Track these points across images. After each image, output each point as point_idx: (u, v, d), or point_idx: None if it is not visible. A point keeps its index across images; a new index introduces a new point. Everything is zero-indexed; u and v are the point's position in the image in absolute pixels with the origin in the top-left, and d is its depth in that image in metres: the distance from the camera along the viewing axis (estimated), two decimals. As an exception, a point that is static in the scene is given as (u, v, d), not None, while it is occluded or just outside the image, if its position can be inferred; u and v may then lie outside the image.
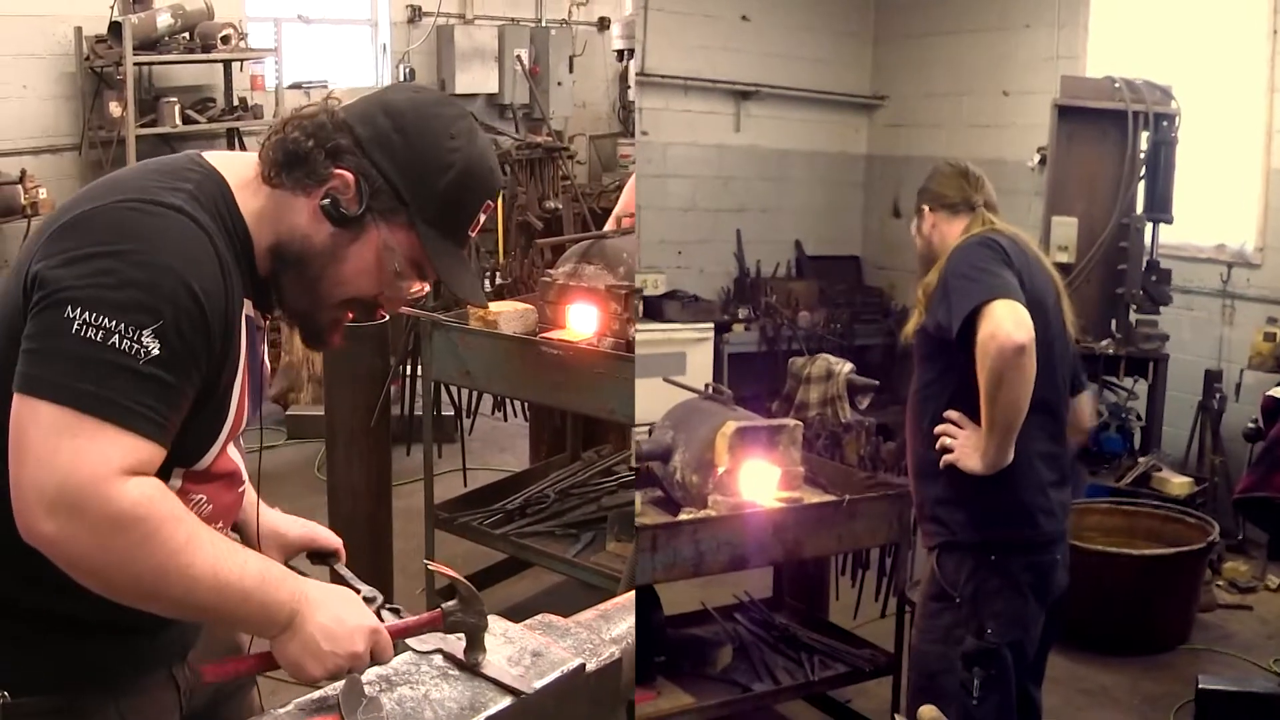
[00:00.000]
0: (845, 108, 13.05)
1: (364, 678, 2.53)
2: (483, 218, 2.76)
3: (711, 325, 10.99)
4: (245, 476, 2.83)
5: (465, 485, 7.46)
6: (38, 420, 2.24)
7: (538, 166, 12.74)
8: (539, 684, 2.58)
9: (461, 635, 2.71)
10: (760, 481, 5.54)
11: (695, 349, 10.74)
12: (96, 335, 2.25)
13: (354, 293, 2.71)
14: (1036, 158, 10.54)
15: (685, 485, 5.66)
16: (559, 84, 15.56)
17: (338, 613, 2.53)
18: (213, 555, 2.35)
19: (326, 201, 2.58)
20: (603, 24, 16.29)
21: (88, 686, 2.61)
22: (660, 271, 11.75)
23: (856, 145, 13.25)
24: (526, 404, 7.79)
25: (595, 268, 6.16)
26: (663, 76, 11.81)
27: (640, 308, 10.86)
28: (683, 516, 5.48)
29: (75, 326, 2.25)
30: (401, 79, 14.92)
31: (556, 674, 2.60)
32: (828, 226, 13.13)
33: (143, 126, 11.64)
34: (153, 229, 2.38)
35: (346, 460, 6.63)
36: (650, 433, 6.07)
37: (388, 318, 5.94)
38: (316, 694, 2.51)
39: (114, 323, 2.26)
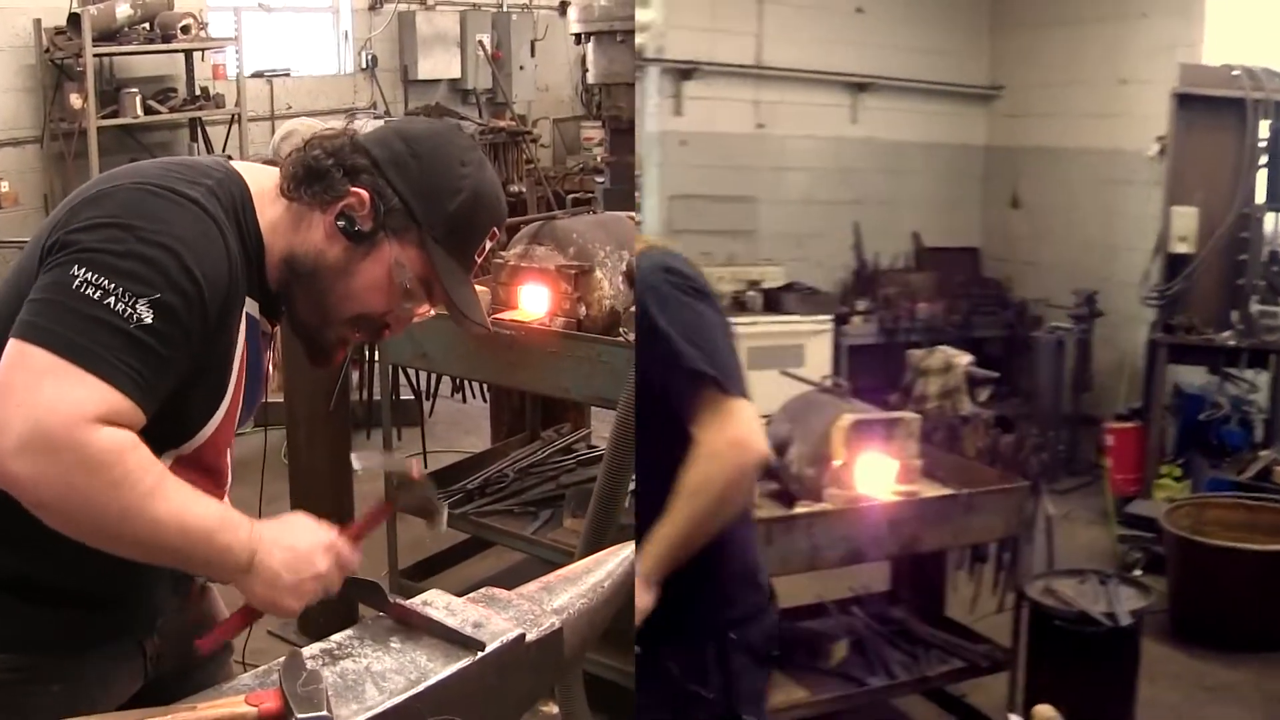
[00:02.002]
0: (962, 99, 12.95)
1: (306, 651, 2.56)
2: (489, 244, 2.87)
3: (830, 317, 11.00)
4: (229, 482, 2.95)
5: (426, 467, 7.49)
6: (24, 362, 2.35)
7: (501, 151, 12.77)
8: (480, 654, 2.61)
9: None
10: (877, 475, 5.54)
11: (813, 341, 10.76)
12: (94, 293, 2.37)
13: (362, 309, 2.81)
14: (1155, 147, 10.40)
15: (801, 478, 5.66)
16: (521, 68, 15.74)
17: (291, 542, 2.63)
18: (177, 501, 2.45)
19: (342, 217, 2.70)
20: (563, 8, 16.27)
21: (52, 651, 2.71)
22: (778, 264, 11.74)
23: (974, 136, 13.14)
24: (485, 385, 7.79)
25: (546, 249, 6.18)
26: (779, 69, 11.78)
27: (760, 300, 10.88)
28: (798, 510, 5.48)
29: (77, 283, 2.38)
30: (363, 66, 15.11)
31: (496, 644, 2.62)
32: (946, 218, 13.04)
33: (104, 118, 11.85)
34: (166, 212, 2.50)
35: (308, 445, 6.72)
36: (766, 425, 6.07)
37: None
38: (262, 668, 2.55)
39: (113, 285, 2.38)
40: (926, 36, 12.58)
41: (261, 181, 2.76)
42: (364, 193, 2.70)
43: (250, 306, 2.72)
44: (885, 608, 6.44)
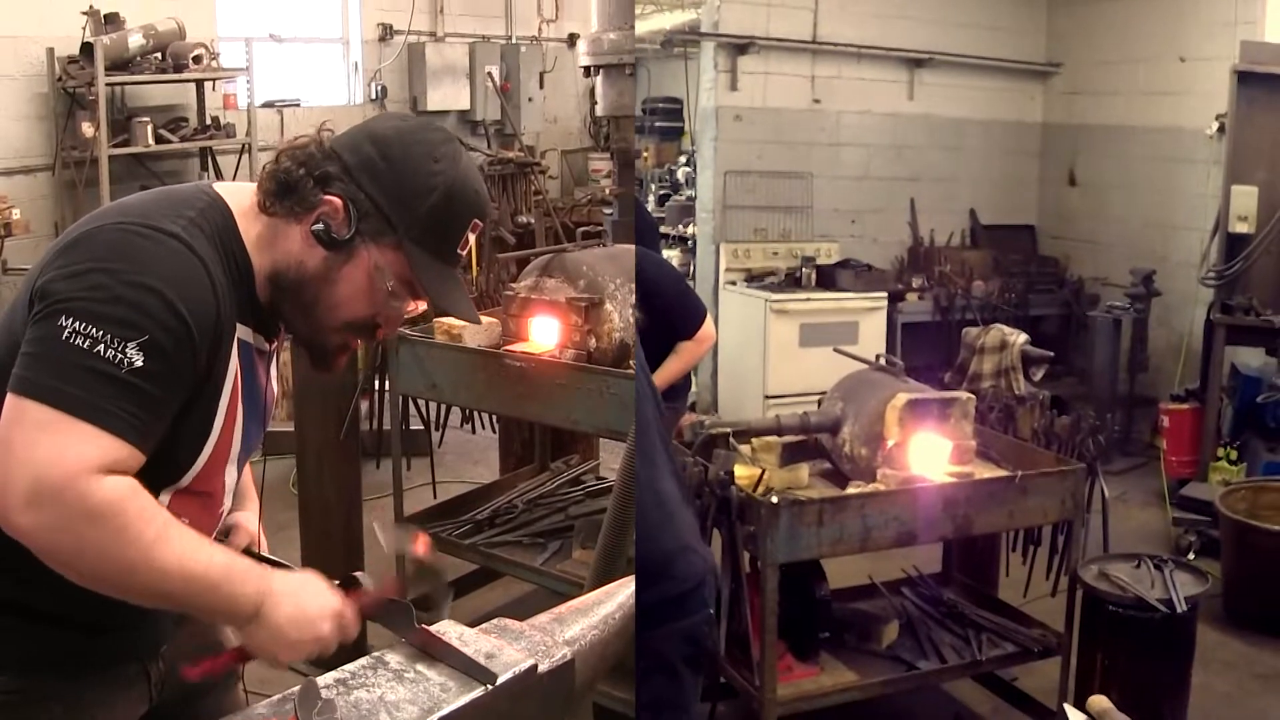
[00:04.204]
0: (1020, 75, 12.91)
1: (321, 681, 2.55)
2: (471, 237, 2.84)
3: (884, 294, 11.00)
4: (227, 500, 2.91)
5: (435, 497, 7.48)
6: (23, 418, 2.36)
7: (510, 182, 12.87)
8: (490, 686, 2.59)
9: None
10: (931, 455, 5.50)
11: (867, 318, 10.76)
12: (84, 343, 2.38)
13: (350, 315, 2.81)
14: (1215, 125, 10.36)
15: (854, 458, 5.64)
16: (530, 100, 15.76)
17: (302, 601, 2.62)
18: (179, 550, 2.45)
19: (318, 226, 2.68)
20: (572, 40, 16.34)
21: (54, 675, 2.71)
22: (833, 240, 11.75)
23: (1032, 113, 13.10)
24: (494, 416, 7.80)
25: (556, 281, 6.22)
26: (836, 45, 11.75)
27: (814, 276, 10.87)
28: (851, 490, 5.45)
29: (66, 334, 2.39)
30: (373, 97, 15.18)
31: (508, 675, 2.60)
32: (1002, 195, 13.02)
33: (115, 146, 11.79)
34: (146, 251, 2.49)
35: (317, 474, 6.66)
36: (819, 404, 6.03)
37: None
38: (277, 697, 2.53)
39: (101, 332, 2.38)
40: (984, 12, 12.54)
41: (243, 202, 2.75)
42: (337, 200, 2.69)
43: (242, 332, 2.72)
44: (936, 590, 6.40)
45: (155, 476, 2.54)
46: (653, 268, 6.30)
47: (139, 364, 2.39)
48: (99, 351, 2.36)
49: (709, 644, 4.22)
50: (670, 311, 6.31)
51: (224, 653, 2.79)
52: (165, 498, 2.63)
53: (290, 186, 2.69)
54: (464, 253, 2.87)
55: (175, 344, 2.45)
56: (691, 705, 4.18)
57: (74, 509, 2.32)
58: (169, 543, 2.42)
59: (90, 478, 2.33)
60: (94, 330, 2.37)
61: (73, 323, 2.37)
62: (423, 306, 2.91)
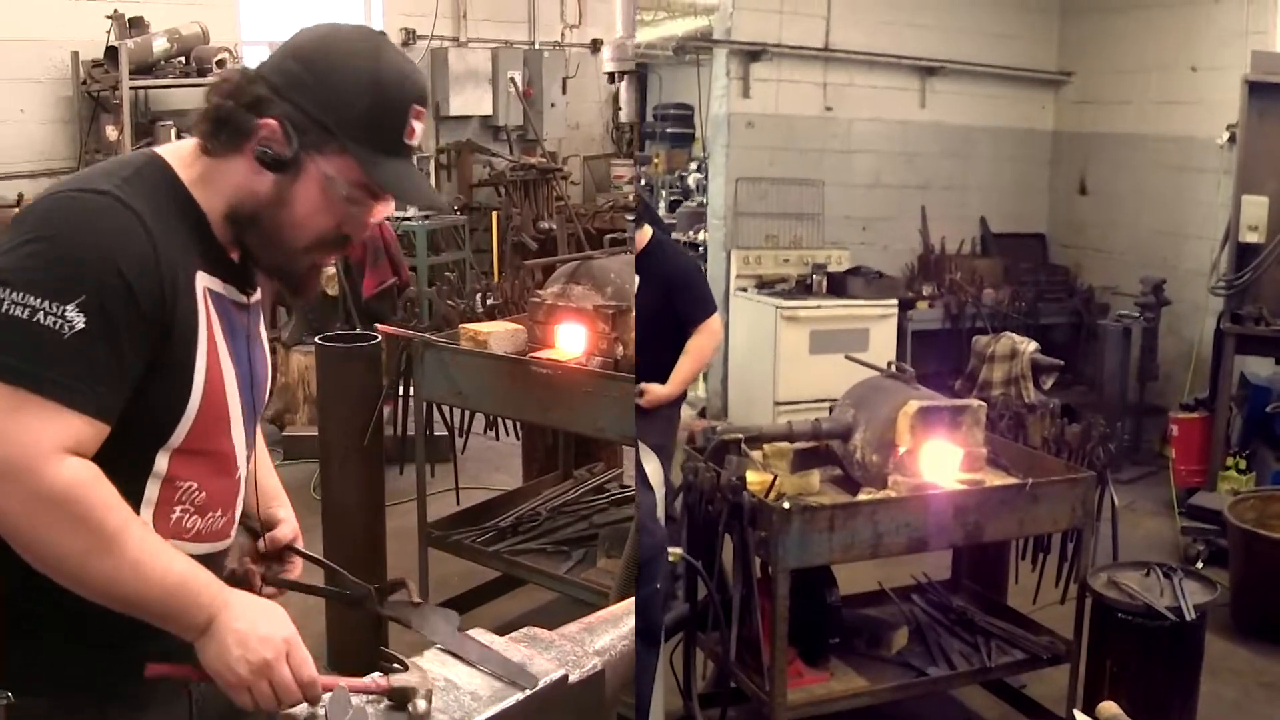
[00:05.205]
0: (1031, 84, 12.92)
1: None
2: (416, 125, 2.78)
3: (895, 302, 11.01)
4: (242, 464, 2.87)
5: (458, 504, 7.46)
6: None
7: (532, 187, 12.83)
8: (518, 697, 2.60)
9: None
10: (942, 462, 5.52)
11: (878, 326, 10.76)
12: (23, 313, 2.35)
13: (314, 232, 2.76)
14: (1226, 135, 10.36)
15: (865, 464, 5.65)
16: (552, 105, 15.63)
17: (252, 619, 2.55)
18: (137, 550, 2.41)
19: (261, 150, 2.65)
20: (595, 46, 16.25)
21: (85, 694, 2.66)
22: (844, 248, 11.77)
23: (1043, 122, 13.11)
24: (518, 423, 7.81)
25: (583, 288, 6.26)
26: (848, 52, 11.77)
27: (824, 283, 10.88)
28: (862, 496, 5.47)
29: (5, 306, 2.36)
30: None
31: (540, 684, 2.61)
32: (1013, 203, 13.03)
33: (139, 149, 11.72)
34: (78, 213, 2.48)
35: (340, 479, 6.62)
36: (831, 410, 6.05)
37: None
38: (304, 708, 2.53)
39: (39, 299, 2.36)
40: (996, 21, 12.55)
41: (181, 153, 2.73)
42: (272, 122, 2.65)
43: (209, 282, 2.69)
44: (946, 596, 6.42)
45: (140, 438, 2.54)
46: (673, 249, 6.33)
47: (80, 325, 2.37)
48: (39, 320, 2.35)
49: (659, 617, 4.30)
50: (681, 293, 6.35)
51: (183, 664, 2.67)
52: (163, 458, 2.61)
53: (224, 120, 2.66)
54: (413, 141, 2.83)
55: (117, 301, 2.43)
56: (644, 675, 4.24)
57: (30, 491, 2.30)
58: (127, 541, 2.39)
59: (49, 460, 2.32)
60: (31, 299, 2.35)
61: (10, 294, 2.36)
62: (389, 209, 2.89)
